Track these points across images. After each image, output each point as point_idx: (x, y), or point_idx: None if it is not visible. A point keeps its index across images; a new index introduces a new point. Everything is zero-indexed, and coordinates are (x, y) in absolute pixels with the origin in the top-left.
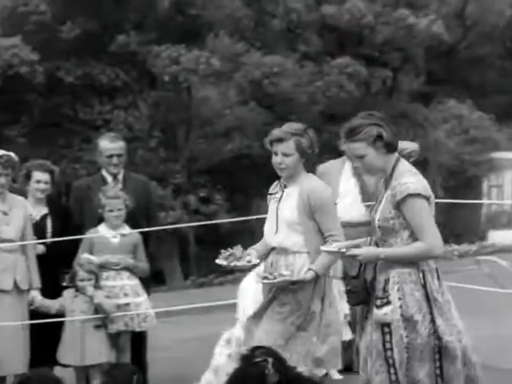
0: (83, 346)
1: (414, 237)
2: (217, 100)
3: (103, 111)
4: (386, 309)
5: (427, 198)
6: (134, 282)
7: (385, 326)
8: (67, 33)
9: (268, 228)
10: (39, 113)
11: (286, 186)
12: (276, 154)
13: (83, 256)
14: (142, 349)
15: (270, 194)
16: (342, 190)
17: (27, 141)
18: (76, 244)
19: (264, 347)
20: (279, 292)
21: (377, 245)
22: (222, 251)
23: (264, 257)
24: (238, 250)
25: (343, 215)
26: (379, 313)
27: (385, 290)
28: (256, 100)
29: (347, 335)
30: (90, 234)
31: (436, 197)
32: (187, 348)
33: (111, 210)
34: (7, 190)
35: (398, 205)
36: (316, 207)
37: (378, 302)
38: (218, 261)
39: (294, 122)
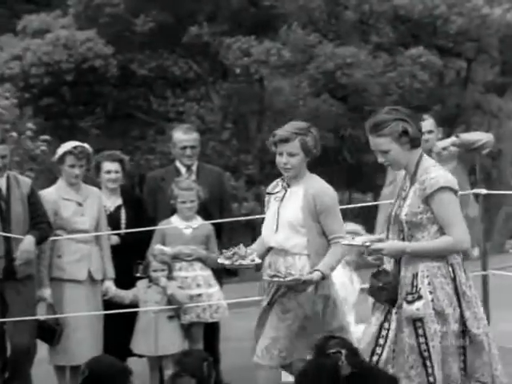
0: (156, 337)
1: (441, 231)
2: (289, 91)
3: (176, 103)
4: (418, 304)
5: (455, 192)
6: (207, 273)
7: (417, 321)
8: (141, 26)
9: (267, 227)
10: (113, 105)
11: (289, 186)
12: (281, 154)
13: (156, 247)
14: (215, 339)
15: (270, 193)
16: None
17: (101, 132)
18: (149, 235)
19: (338, 337)
20: (281, 295)
21: (403, 240)
22: (224, 251)
23: (261, 257)
24: (241, 248)
25: None
26: (411, 308)
27: (413, 285)
28: (329, 91)
29: None
30: (162, 225)
31: (509, 187)
32: None
33: (184, 202)
34: (82, 182)
35: (427, 199)
36: (322, 209)
37: (410, 298)
38: (219, 260)
39: (297, 121)
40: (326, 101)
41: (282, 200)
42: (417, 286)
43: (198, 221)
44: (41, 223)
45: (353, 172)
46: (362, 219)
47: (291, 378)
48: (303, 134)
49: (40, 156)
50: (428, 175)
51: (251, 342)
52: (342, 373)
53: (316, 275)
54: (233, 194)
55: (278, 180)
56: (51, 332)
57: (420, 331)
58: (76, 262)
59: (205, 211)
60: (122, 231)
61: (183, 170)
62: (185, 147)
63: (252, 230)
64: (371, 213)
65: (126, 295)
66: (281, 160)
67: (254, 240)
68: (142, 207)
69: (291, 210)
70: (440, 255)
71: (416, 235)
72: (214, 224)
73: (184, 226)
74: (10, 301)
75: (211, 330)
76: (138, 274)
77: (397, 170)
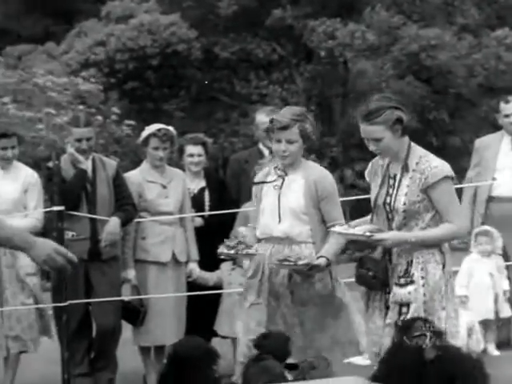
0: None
1: (435, 219)
2: (373, 73)
3: (260, 86)
4: (410, 287)
5: (453, 180)
6: None
7: (403, 307)
8: (225, 9)
9: (268, 218)
10: (197, 88)
11: (286, 174)
12: (279, 141)
13: (240, 229)
14: None
15: (262, 182)
16: (500, 165)
17: (185, 115)
18: (233, 217)
19: (422, 319)
20: (296, 286)
21: (390, 228)
22: (226, 240)
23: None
24: (246, 238)
25: (500, 191)
26: (402, 291)
27: (406, 272)
28: (413, 73)
29: (508, 312)
30: (246, 208)
31: None
32: None
33: None
34: (166, 164)
35: (428, 188)
36: (323, 195)
37: (402, 281)
38: (220, 250)
39: (293, 106)
40: (410, 83)
41: (280, 188)
42: (409, 272)
43: None
44: (126, 205)
45: (437, 155)
46: None
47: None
48: (302, 121)
49: (124, 139)
50: (429, 164)
51: None
52: (426, 356)
53: (323, 261)
54: None
55: (269, 168)
56: (135, 313)
57: (402, 317)
58: (160, 244)
59: None
60: (206, 213)
61: (266, 152)
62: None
63: None
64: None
65: (210, 277)
66: (279, 147)
67: None
68: (226, 189)
69: (293, 197)
70: (436, 243)
71: (410, 223)
72: None
73: None
74: (95, 282)
75: None
76: (222, 256)
77: (388, 157)
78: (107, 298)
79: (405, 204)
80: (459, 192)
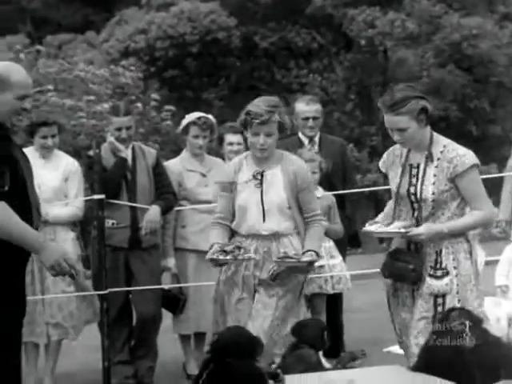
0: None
1: (460, 207)
2: (413, 62)
3: (300, 74)
4: (446, 279)
5: (478, 167)
6: (329, 244)
7: (438, 298)
8: None
9: (252, 216)
10: (236, 76)
11: (263, 171)
12: (257, 134)
13: None
14: (337, 311)
15: (230, 182)
16: None
17: (225, 104)
18: None
19: (461, 308)
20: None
21: (416, 218)
22: (223, 245)
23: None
24: (243, 243)
25: None
26: (439, 283)
27: (437, 262)
28: (454, 62)
29: None
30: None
31: None
32: (383, 310)
33: None
34: (205, 153)
35: (456, 177)
36: (303, 186)
37: (439, 273)
38: (215, 256)
39: (267, 96)
40: (452, 71)
41: (261, 185)
42: (441, 263)
43: (320, 192)
44: (166, 193)
45: (478, 144)
46: (488, 191)
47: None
48: (278, 113)
49: (164, 127)
50: (456, 152)
51: (374, 313)
52: (465, 346)
53: (314, 255)
54: (356, 166)
55: (234, 165)
56: (175, 301)
57: (439, 308)
58: (199, 233)
59: (327, 182)
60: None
61: (306, 141)
62: (307, 118)
63: (375, 202)
64: (495, 185)
65: None
66: (257, 141)
67: (378, 211)
68: None
69: (275, 193)
70: (467, 231)
71: (437, 213)
72: (336, 195)
73: None
74: (135, 270)
75: (334, 302)
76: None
77: (411, 147)
78: (147, 287)
79: (433, 193)
80: (500, 181)
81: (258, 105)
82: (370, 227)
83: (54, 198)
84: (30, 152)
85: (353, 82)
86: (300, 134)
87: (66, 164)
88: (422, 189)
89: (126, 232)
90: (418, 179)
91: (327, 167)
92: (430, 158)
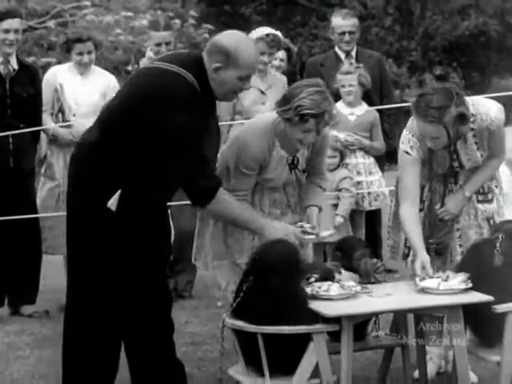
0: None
1: (484, 156)
2: None
3: None
4: (495, 202)
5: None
6: (368, 161)
7: (490, 219)
8: None
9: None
10: None
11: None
12: (309, 131)
13: (331, 132)
14: (376, 225)
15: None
16: None
17: (263, 19)
18: None
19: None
20: None
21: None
22: (300, 223)
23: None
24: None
25: None
26: (491, 206)
27: (483, 188)
28: None
29: None
30: None
31: None
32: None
33: (343, 86)
34: (268, 70)
35: (490, 132)
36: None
37: (490, 196)
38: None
39: (317, 90)
40: None
41: (296, 167)
42: (488, 186)
43: (364, 107)
44: None
45: None
46: None
47: None
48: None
49: (202, 43)
50: (488, 112)
51: None
52: (494, 263)
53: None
54: (395, 81)
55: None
56: None
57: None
58: None
59: (366, 97)
60: None
61: (342, 55)
62: (343, 33)
63: None
64: None
65: None
66: (306, 137)
67: None
68: None
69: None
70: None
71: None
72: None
73: (348, 113)
74: None
75: (373, 217)
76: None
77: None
78: (186, 202)
79: (482, 156)
80: None
81: (316, 101)
82: (425, 283)
83: (91, 114)
84: (68, 68)
85: None
86: (336, 49)
87: (104, 79)
88: (467, 159)
89: None
90: (457, 155)
91: (367, 82)
92: (463, 138)
